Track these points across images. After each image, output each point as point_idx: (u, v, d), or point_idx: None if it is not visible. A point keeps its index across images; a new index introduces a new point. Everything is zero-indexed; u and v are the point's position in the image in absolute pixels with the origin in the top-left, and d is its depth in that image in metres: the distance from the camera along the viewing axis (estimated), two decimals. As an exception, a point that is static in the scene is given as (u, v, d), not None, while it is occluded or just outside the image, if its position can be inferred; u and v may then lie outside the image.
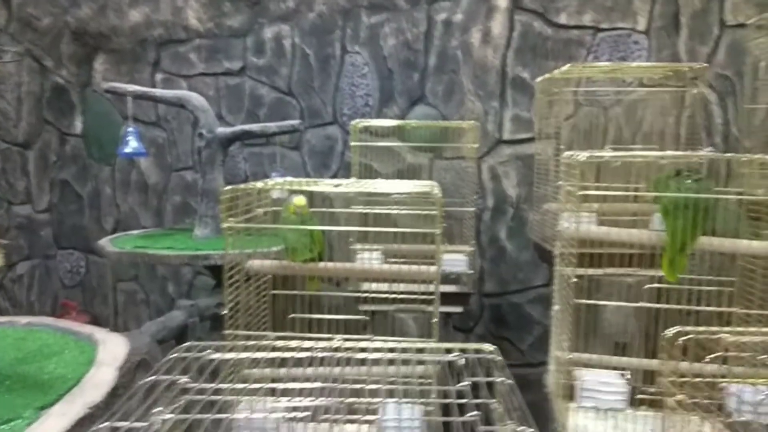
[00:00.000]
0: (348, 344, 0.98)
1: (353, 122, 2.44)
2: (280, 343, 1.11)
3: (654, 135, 2.60)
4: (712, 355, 1.09)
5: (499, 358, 1.02)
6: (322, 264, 1.66)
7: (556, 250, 1.78)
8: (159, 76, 3.15)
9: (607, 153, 1.61)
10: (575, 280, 1.61)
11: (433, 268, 1.54)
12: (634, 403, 1.61)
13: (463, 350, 1.06)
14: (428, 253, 2.56)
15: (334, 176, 2.96)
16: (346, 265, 1.70)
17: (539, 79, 2.58)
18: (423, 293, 1.64)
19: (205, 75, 3.08)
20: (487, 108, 2.84)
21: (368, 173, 2.91)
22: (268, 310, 1.86)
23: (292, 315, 1.63)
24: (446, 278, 2.47)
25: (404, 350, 0.98)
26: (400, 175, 2.94)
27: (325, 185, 1.56)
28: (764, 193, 1.73)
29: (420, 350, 0.97)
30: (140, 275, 3.31)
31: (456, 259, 2.49)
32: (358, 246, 2.38)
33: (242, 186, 1.58)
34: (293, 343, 1.09)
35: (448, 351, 0.97)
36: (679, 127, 2.48)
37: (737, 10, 2.57)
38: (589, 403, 1.54)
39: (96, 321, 3.29)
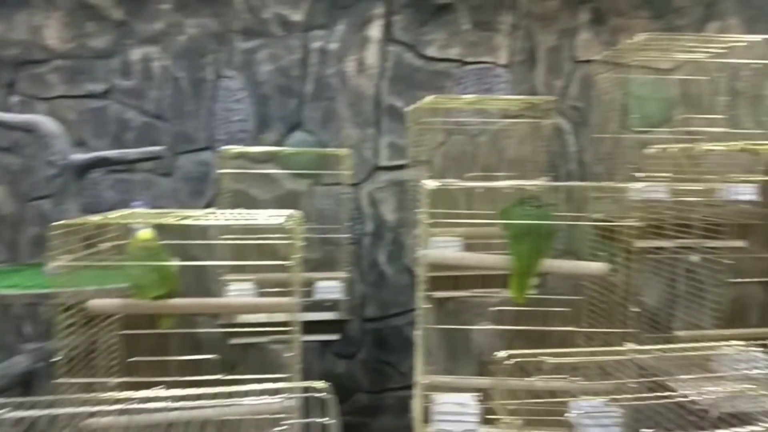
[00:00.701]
0: (170, 393, 0.92)
1: (221, 149, 2.37)
2: (107, 394, 1.03)
3: (516, 162, 2.76)
4: (538, 376, 1.15)
5: (330, 396, 1.01)
6: (172, 300, 1.58)
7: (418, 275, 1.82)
8: (14, 99, 2.90)
9: (456, 182, 1.68)
10: (428, 305, 1.65)
11: (285, 300, 1.51)
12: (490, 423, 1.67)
13: (306, 389, 1.03)
14: (302, 282, 2.53)
15: (209, 203, 2.86)
16: (197, 300, 1.63)
17: (409, 108, 2.66)
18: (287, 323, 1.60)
19: (66, 98, 2.88)
20: (363, 135, 2.89)
21: (245, 200, 2.84)
22: (119, 352, 1.74)
23: (134, 359, 1.54)
24: (321, 306, 2.45)
25: (231, 394, 0.94)
26: (279, 201, 2.90)
27: (173, 216, 1.49)
28: (603, 217, 1.88)
29: (246, 393, 0.94)
30: (-9, 315, 3.00)
31: (331, 286, 2.47)
32: (228, 278, 2.31)
33: (78, 220, 1.48)
34: (126, 393, 1.01)
35: (276, 392, 0.95)
36: (538, 155, 2.65)
37: (586, 47, 2.81)
38: (443, 426, 1.57)
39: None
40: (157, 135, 2.86)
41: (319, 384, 1.01)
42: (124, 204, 2.84)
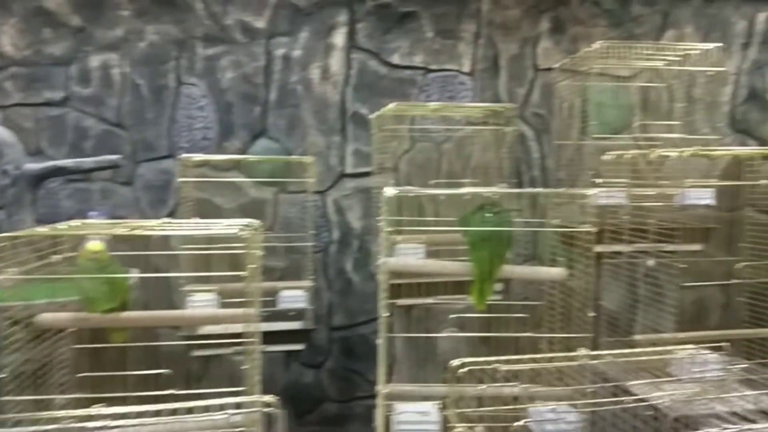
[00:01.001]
0: (110, 411, 0.89)
1: (182, 157, 2.34)
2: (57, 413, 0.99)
3: (480, 169, 2.78)
4: (489, 384, 1.15)
5: (277, 410, 0.99)
6: (124, 314, 1.54)
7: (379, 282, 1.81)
8: (-33, 105, 2.81)
9: (414, 189, 1.68)
10: (387, 314, 1.64)
11: (241, 311, 1.48)
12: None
13: (253, 403, 1.01)
14: (266, 291, 2.50)
15: (172, 213, 2.81)
16: (150, 313, 1.59)
17: (373, 115, 2.66)
18: (243, 334, 1.57)
19: (23, 105, 2.81)
20: (329, 142, 2.87)
21: (208, 209, 2.80)
22: (72, 368, 1.69)
23: (84, 374, 1.49)
24: (285, 315, 2.42)
25: (175, 411, 0.92)
26: (244, 210, 2.87)
27: (124, 227, 1.46)
28: (562, 222, 1.89)
29: (189, 410, 0.91)
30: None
31: (295, 295, 2.45)
32: (190, 288, 2.26)
33: (25, 231, 1.43)
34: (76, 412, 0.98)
35: (221, 407, 0.92)
36: (502, 162, 2.67)
37: (547, 55, 2.85)
38: (403, 436, 1.55)
39: None
40: (117, 143, 2.80)
41: (268, 398, 0.99)
42: (82, 214, 2.77)
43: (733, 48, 2.90)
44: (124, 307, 1.57)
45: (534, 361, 1.17)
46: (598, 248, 2.18)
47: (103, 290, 1.51)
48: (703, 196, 2.22)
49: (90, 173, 2.45)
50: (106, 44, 2.78)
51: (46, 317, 1.52)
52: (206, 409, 0.90)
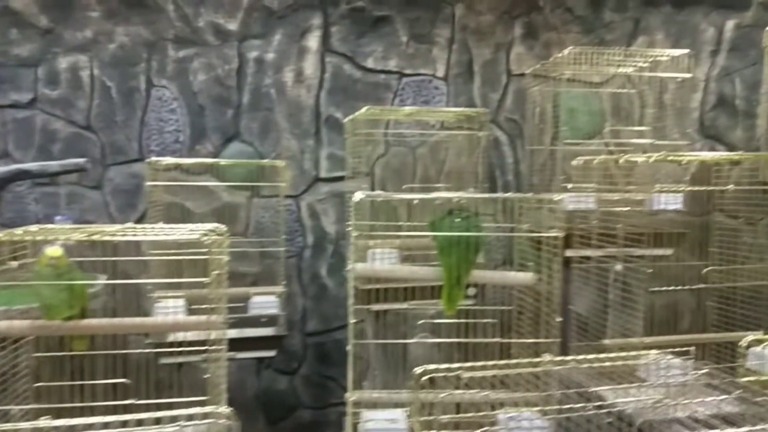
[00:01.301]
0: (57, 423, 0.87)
1: (150, 160, 2.30)
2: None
3: (454, 174, 2.78)
4: (449, 391, 1.14)
5: (233, 422, 0.97)
6: (83, 321, 1.50)
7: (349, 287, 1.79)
8: (-70, 107, 2.74)
9: (383, 193, 1.67)
10: (356, 320, 1.62)
11: (203, 318, 1.45)
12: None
13: (206, 415, 0.99)
14: (238, 297, 2.47)
15: (141, 217, 2.76)
16: (113, 320, 1.56)
17: (346, 119, 2.64)
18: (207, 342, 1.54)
19: (-12, 106, 2.74)
20: (303, 146, 2.85)
21: (179, 213, 2.76)
22: (30, 378, 1.65)
23: (41, 384, 1.45)
24: (256, 321, 2.39)
25: (125, 423, 0.89)
26: (216, 214, 2.83)
27: (83, 232, 1.42)
28: (529, 228, 1.90)
29: (139, 422, 0.89)
30: None
31: (267, 301, 2.42)
32: (158, 295, 2.22)
33: (-22, 238, 1.39)
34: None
35: (174, 419, 0.90)
36: (476, 166, 2.68)
37: (520, 60, 2.87)
38: (370, 444, 1.54)
39: None
40: (86, 146, 2.75)
41: (223, 410, 0.97)
42: (49, 219, 2.71)
43: (703, 55, 2.95)
44: (84, 315, 1.54)
45: (497, 367, 1.16)
46: (568, 253, 2.19)
47: (62, 297, 1.47)
48: (672, 201, 2.24)
49: (56, 177, 2.40)
50: (75, 45, 2.73)
51: (3, 325, 1.48)
52: (157, 421, 0.88)
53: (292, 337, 2.88)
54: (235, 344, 2.37)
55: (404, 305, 2.07)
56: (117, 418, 0.89)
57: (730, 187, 2.45)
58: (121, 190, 2.78)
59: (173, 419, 0.90)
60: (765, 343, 1.42)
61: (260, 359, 2.82)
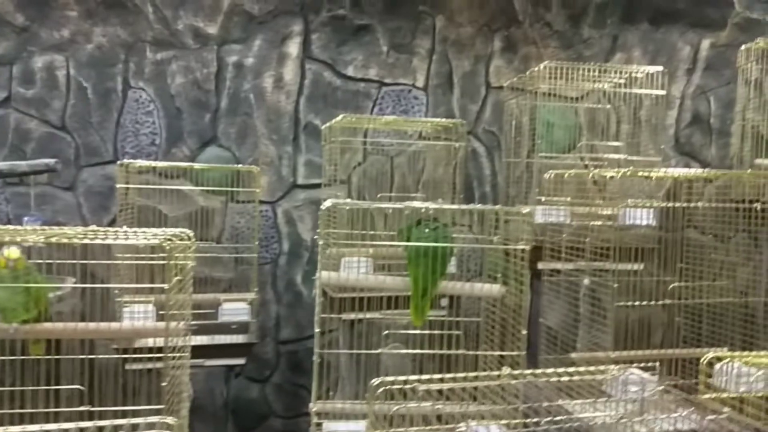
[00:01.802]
0: None
1: (122, 162, 2.27)
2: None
3: (431, 184, 2.79)
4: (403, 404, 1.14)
5: None
6: (40, 325, 1.47)
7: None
8: None
9: (350, 202, 1.66)
10: (323, 330, 1.61)
11: (161, 324, 1.43)
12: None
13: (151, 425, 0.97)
14: (208, 303, 2.44)
15: (114, 220, 2.73)
16: (70, 325, 1.53)
17: (324, 127, 2.64)
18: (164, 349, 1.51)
19: (-40, 104, 2.70)
20: (281, 152, 2.84)
21: (152, 217, 2.73)
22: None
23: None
24: (227, 328, 2.37)
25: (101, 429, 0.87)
26: (191, 219, 2.80)
27: (42, 234, 1.39)
28: (499, 240, 1.90)
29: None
30: None
31: (237, 308, 2.40)
32: (125, 299, 2.19)
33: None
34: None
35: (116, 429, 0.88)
36: (454, 177, 2.68)
37: (499, 73, 2.89)
38: (332, 455, 1.52)
39: None
40: (60, 146, 2.71)
41: (169, 421, 0.95)
42: (19, 219, 2.67)
43: (679, 73, 2.99)
44: (43, 318, 1.51)
45: (454, 380, 1.16)
46: (540, 266, 2.20)
47: (19, 300, 1.44)
48: (643, 216, 2.26)
49: (25, 177, 2.36)
50: (52, 45, 2.70)
51: (-43, 327, 1.44)
52: (100, 430, 0.86)
53: (265, 345, 2.85)
54: (205, 351, 2.35)
55: (375, 315, 2.06)
56: (52, 426, 0.87)
57: (701, 203, 2.48)
58: (95, 192, 2.74)
59: (116, 429, 0.88)
60: (725, 361, 1.43)
61: (231, 367, 2.79)
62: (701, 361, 1.43)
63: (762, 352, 1.44)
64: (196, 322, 2.18)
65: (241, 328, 2.41)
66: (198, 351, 2.21)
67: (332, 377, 2.85)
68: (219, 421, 2.82)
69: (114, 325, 1.59)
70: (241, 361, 2.37)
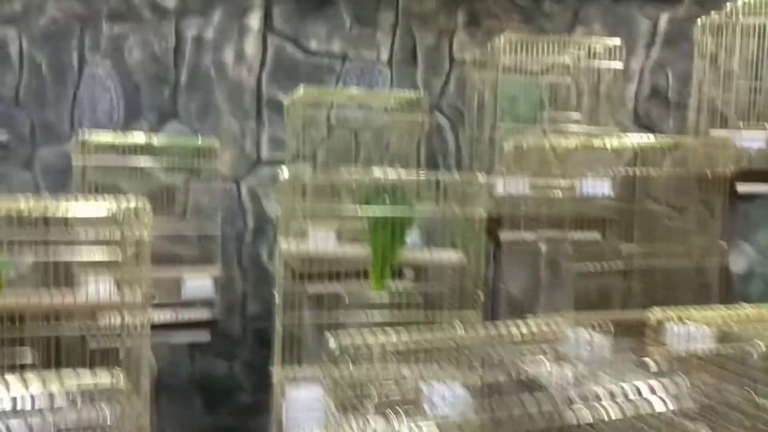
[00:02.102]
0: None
1: (75, 138, 2.23)
2: None
3: (397, 158, 2.80)
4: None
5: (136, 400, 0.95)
6: (-8, 298, 1.45)
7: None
8: None
9: (309, 174, 1.66)
10: (278, 300, 1.62)
11: (117, 298, 1.42)
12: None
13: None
14: (172, 280, 2.42)
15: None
16: (21, 300, 1.50)
17: (286, 101, 2.62)
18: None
19: None
20: (244, 128, 2.81)
21: (113, 195, 2.68)
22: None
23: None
24: (190, 305, 2.35)
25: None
26: (153, 196, 2.75)
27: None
28: (460, 210, 1.92)
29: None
30: None
31: (201, 285, 2.39)
32: (84, 274, 2.15)
33: None
34: None
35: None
36: (418, 151, 2.70)
37: (462, 47, 2.90)
38: (292, 422, 1.54)
39: None
40: (15, 123, 2.64)
41: (122, 384, 0.95)
42: (-27, 198, 2.59)
43: (638, 47, 3.04)
44: None
45: (409, 340, 1.18)
46: (501, 236, 2.24)
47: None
48: (600, 186, 2.31)
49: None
50: (3, 18, 2.61)
51: None
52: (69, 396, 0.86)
53: (232, 321, 2.85)
54: (168, 328, 2.34)
55: (337, 287, 2.07)
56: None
57: (657, 173, 2.54)
58: (53, 170, 2.68)
59: (70, 396, 0.88)
60: (669, 318, 1.48)
61: (197, 344, 2.78)
62: (647, 319, 1.48)
63: (706, 308, 1.50)
64: (159, 301, 2.18)
65: (206, 304, 2.40)
66: (161, 328, 2.20)
67: (296, 352, 2.86)
68: (186, 398, 2.82)
69: (68, 297, 1.57)
70: (205, 337, 2.36)
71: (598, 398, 1.50)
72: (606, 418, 1.27)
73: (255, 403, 2.92)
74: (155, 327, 2.02)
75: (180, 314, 2.32)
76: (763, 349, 1.34)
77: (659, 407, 1.31)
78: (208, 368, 2.87)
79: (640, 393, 1.50)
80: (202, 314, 2.36)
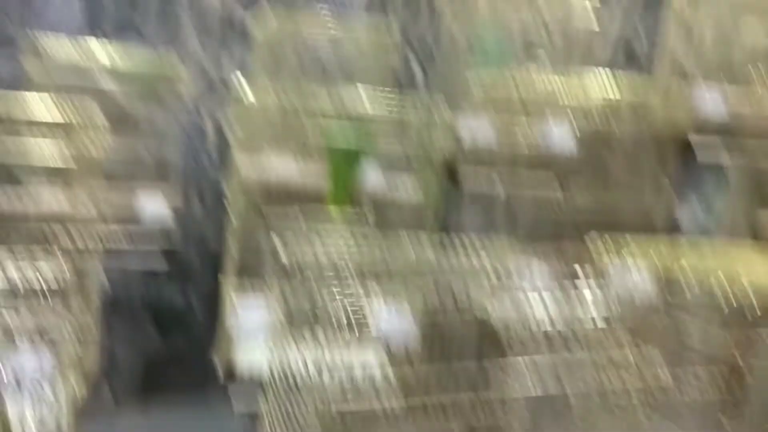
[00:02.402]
0: None
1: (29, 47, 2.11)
2: None
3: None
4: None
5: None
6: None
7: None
8: None
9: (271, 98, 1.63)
10: (234, 221, 1.61)
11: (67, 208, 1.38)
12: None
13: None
14: (128, 208, 2.37)
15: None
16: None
17: (254, 29, 2.51)
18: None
19: None
20: (208, 53, 2.71)
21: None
22: None
23: None
24: (147, 232, 2.32)
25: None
26: (110, 116, 2.66)
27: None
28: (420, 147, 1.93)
29: None
30: None
31: (158, 211, 2.35)
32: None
33: None
34: None
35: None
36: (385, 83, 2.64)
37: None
38: (240, 332, 1.57)
39: None
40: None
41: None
42: None
43: (614, 6, 3.03)
44: None
45: (360, 255, 1.20)
46: (461, 176, 2.27)
47: None
48: (560, 138, 2.35)
49: None
50: None
51: None
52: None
53: (189, 249, 2.83)
54: (123, 254, 2.31)
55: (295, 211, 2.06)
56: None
57: (617, 128, 2.58)
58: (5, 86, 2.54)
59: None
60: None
61: (152, 271, 2.76)
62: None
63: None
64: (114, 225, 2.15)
65: (163, 231, 2.37)
66: (116, 253, 2.18)
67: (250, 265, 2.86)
68: (138, 322, 2.82)
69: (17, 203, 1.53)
70: (161, 265, 2.35)
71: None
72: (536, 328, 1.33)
73: (208, 328, 2.94)
74: (109, 252, 2.01)
75: (136, 241, 2.29)
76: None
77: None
78: (163, 295, 2.86)
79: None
80: (158, 241, 2.33)
